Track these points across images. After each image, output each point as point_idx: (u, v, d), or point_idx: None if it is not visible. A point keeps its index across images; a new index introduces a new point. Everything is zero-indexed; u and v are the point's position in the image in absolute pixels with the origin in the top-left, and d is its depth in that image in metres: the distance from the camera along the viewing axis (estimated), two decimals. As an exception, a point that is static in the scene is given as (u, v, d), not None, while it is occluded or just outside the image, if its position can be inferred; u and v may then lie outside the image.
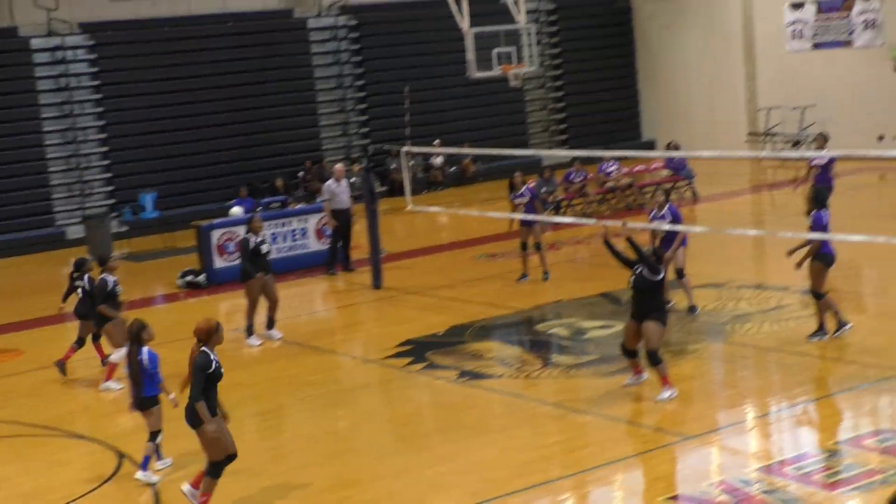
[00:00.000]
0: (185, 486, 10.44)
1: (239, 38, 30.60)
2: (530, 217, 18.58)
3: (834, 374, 12.99)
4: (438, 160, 32.04)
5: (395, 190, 30.27)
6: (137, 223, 27.19)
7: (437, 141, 30.28)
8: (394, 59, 32.65)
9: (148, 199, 27.66)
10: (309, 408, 13.53)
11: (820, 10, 31.47)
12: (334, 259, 21.11)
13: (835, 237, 13.78)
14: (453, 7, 22.33)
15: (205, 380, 9.91)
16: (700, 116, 34.81)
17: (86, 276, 15.05)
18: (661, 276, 12.37)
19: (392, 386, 14.17)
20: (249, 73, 30.55)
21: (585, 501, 10.36)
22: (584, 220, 20.70)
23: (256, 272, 16.16)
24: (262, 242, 16.33)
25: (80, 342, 15.30)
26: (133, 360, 11.16)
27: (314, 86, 31.80)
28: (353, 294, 19.68)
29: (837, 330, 13.93)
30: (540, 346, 15.35)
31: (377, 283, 19.40)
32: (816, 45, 31.70)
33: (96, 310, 14.52)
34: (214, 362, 9.99)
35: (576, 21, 35.85)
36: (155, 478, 11.26)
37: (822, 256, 13.70)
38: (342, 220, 20.98)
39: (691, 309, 15.77)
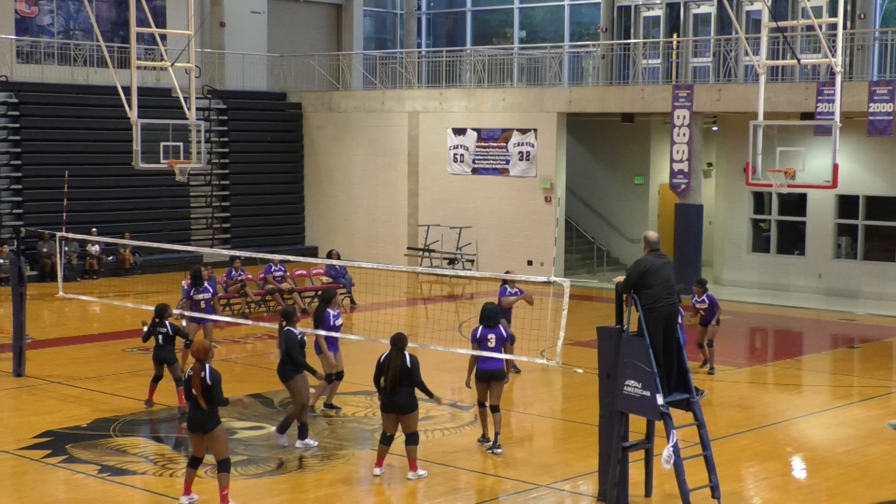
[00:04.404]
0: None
1: None
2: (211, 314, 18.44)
3: (477, 485, 13.40)
4: (96, 248, 31.07)
5: (47, 275, 29.17)
6: None
7: (94, 229, 29.41)
8: (56, 142, 31.66)
9: None
10: (-69, 499, 12.61)
11: (480, 139, 33.10)
12: (-27, 343, 19.99)
13: (483, 354, 14.36)
14: (122, 96, 21.92)
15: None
16: (362, 227, 35.62)
17: (167, 323, 16.29)
18: None
19: (25, 479, 13.42)
20: None
21: None
22: (239, 321, 20.57)
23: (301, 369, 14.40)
24: (304, 335, 14.69)
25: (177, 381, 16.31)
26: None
27: (-35, 161, 30.32)
28: (-9, 381, 18.65)
29: (493, 446, 14.52)
30: (188, 444, 14.98)
31: (19, 371, 18.51)
32: (476, 171, 33.27)
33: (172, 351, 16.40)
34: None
35: (247, 122, 36.07)
36: None
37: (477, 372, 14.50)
38: (-15, 303, 19.96)
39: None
